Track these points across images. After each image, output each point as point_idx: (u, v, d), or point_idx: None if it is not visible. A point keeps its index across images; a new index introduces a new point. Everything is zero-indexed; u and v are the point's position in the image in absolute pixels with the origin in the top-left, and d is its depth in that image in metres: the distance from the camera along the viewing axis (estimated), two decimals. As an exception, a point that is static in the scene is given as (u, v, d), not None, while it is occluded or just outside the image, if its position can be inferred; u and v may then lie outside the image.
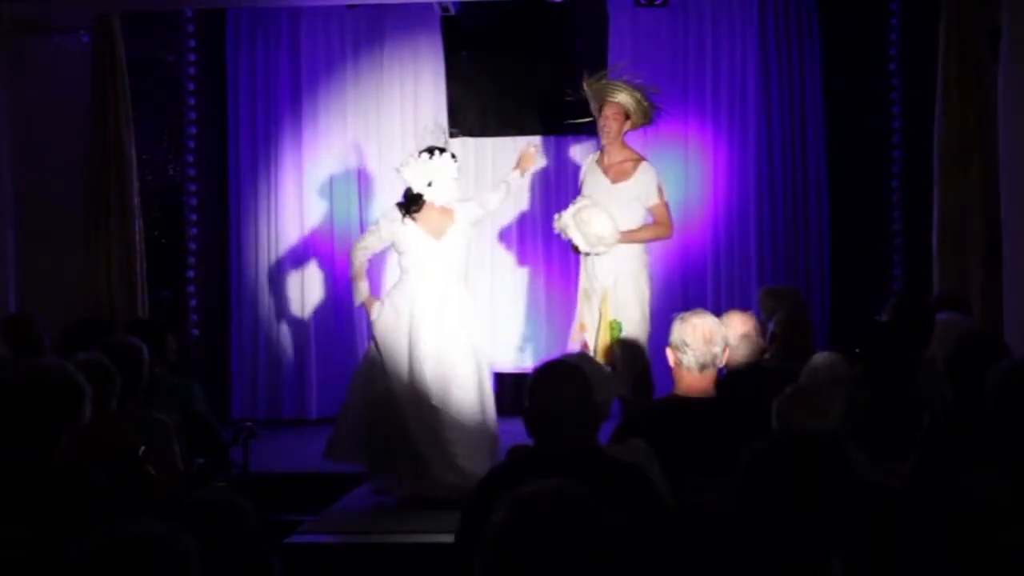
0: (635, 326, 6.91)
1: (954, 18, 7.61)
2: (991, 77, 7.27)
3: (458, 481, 6.24)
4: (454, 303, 6.61)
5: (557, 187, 9.40)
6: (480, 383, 6.61)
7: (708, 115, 9.22)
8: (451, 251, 6.62)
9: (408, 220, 6.61)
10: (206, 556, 2.13)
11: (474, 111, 9.48)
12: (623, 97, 7.08)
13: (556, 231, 6.93)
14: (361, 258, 6.80)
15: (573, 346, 6.97)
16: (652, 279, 7.20)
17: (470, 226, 6.75)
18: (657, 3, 9.06)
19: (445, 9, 9.11)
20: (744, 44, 9.22)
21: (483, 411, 6.60)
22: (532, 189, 9.34)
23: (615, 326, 6.89)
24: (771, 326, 5.77)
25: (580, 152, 9.35)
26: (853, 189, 9.19)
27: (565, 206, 7.05)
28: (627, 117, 7.10)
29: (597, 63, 8.62)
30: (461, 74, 9.44)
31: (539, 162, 7.00)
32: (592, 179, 7.13)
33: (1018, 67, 6.87)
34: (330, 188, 9.39)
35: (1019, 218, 6.91)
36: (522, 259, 9.41)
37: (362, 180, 9.44)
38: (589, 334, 6.97)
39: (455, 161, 6.65)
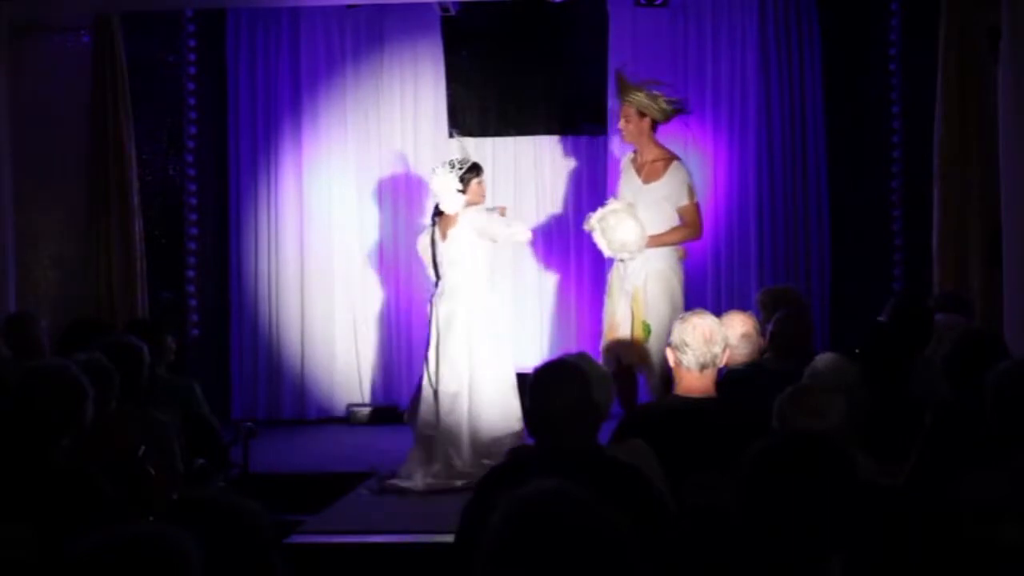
0: (665, 326, 6.89)
1: (954, 18, 7.60)
2: (991, 77, 7.27)
3: (445, 478, 6.74)
4: (464, 307, 6.90)
5: (555, 186, 9.41)
6: (481, 389, 6.86)
7: (708, 115, 9.21)
8: (454, 252, 6.91)
9: (435, 226, 7.09)
10: (214, 556, 2.13)
11: (474, 111, 9.48)
12: (632, 97, 7.11)
13: (587, 231, 6.99)
14: (421, 253, 7.28)
15: (606, 346, 7.02)
16: (685, 278, 7.18)
17: (475, 233, 6.88)
18: (657, 3, 9.06)
19: (445, 9, 9.10)
20: (744, 44, 9.22)
21: (482, 415, 6.85)
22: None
23: (646, 327, 6.90)
24: (771, 326, 5.76)
25: (584, 151, 9.36)
26: (853, 189, 9.19)
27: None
28: (643, 116, 7.11)
29: (597, 63, 8.65)
30: (461, 74, 9.44)
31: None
32: (626, 179, 7.20)
33: (1018, 67, 6.86)
34: (330, 188, 9.39)
35: (1019, 218, 6.90)
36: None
37: (362, 180, 9.44)
38: (618, 331, 6.98)
39: (458, 172, 6.89)
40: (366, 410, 9.17)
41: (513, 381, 6.98)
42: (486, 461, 6.75)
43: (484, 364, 6.92)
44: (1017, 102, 6.86)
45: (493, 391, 6.90)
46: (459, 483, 6.69)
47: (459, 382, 6.89)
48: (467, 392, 6.89)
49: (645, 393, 7.09)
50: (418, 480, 6.79)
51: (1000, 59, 7.03)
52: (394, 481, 6.86)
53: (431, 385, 6.94)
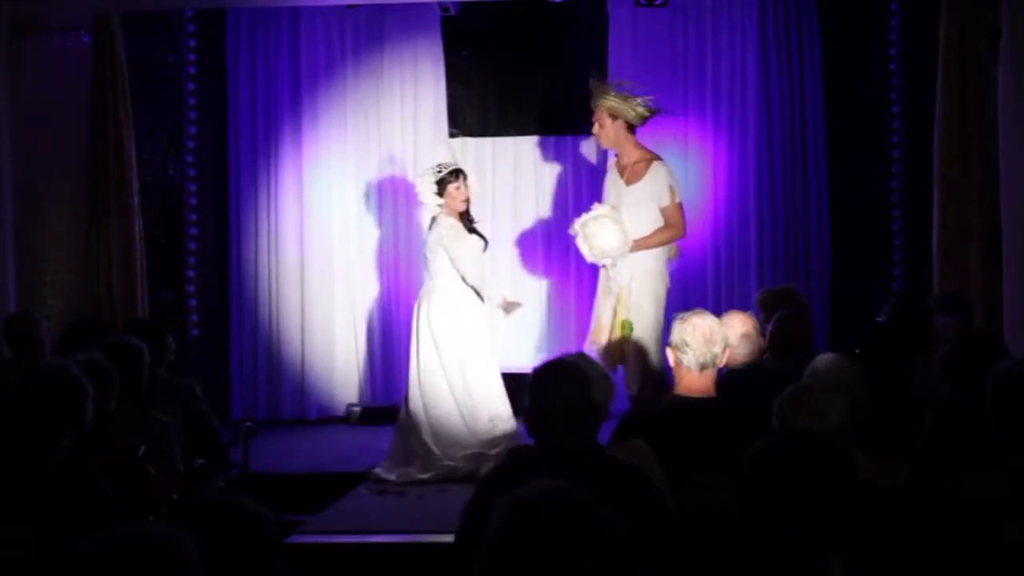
0: (648, 326, 6.92)
1: (954, 18, 7.60)
2: (991, 77, 7.27)
3: (421, 475, 7.00)
4: (431, 307, 7.18)
5: (555, 186, 9.41)
6: (455, 386, 7.13)
7: (708, 115, 9.22)
8: (427, 253, 7.27)
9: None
10: (217, 557, 2.13)
11: (474, 111, 9.48)
12: (602, 101, 7.11)
13: (572, 235, 7.02)
14: None
15: (590, 348, 7.02)
16: (670, 280, 7.20)
17: (435, 241, 7.17)
18: (657, 3, 9.06)
19: (445, 9, 9.10)
20: (744, 44, 9.22)
21: (459, 415, 7.11)
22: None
23: (627, 325, 6.92)
24: (771, 326, 5.76)
25: (583, 151, 9.35)
26: (853, 189, 9.19)
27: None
28: (615, 118, 7.11)
29: (597, 63, 8.64)
30: (461, 74, 9.44)
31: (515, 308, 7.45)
32: (611, 181, 7.23)
33: (1018, 67, 6.85)
34: (330, 188, 9.39)
35: (1019, 218, 6.90)
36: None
37: (362, 180, 9.44)
38: (604, 334, 7.00)
39: (436, 176, 7.18)
40: (366, 410, 9.17)
41: (496, 381, 7.10)
42: (470, 452, 6.89)
43: (450, 364, 7.12)
44: (1017, 102, 6.85)
45: (464, 392, 7.10)
46: (426, 476, 6.95)
47: (422, 379, 7.13)
48: (434, 391, 7.11)
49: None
50: (394, 474, 7.00)
51: (1000, 59, 7.02)
52: (377, 470, 7.08)
53: (410, 379, 7.23)
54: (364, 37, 9.44)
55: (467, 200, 7.21)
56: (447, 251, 7.10)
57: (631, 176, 7.09)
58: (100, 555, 2.01)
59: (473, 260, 7.15)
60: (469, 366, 7.12)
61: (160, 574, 2.01)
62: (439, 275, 7.18)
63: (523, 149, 9.47)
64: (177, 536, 2.05)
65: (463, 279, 7.13)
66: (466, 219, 7.24)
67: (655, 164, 7.10)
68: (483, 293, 7.20)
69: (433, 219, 7.27)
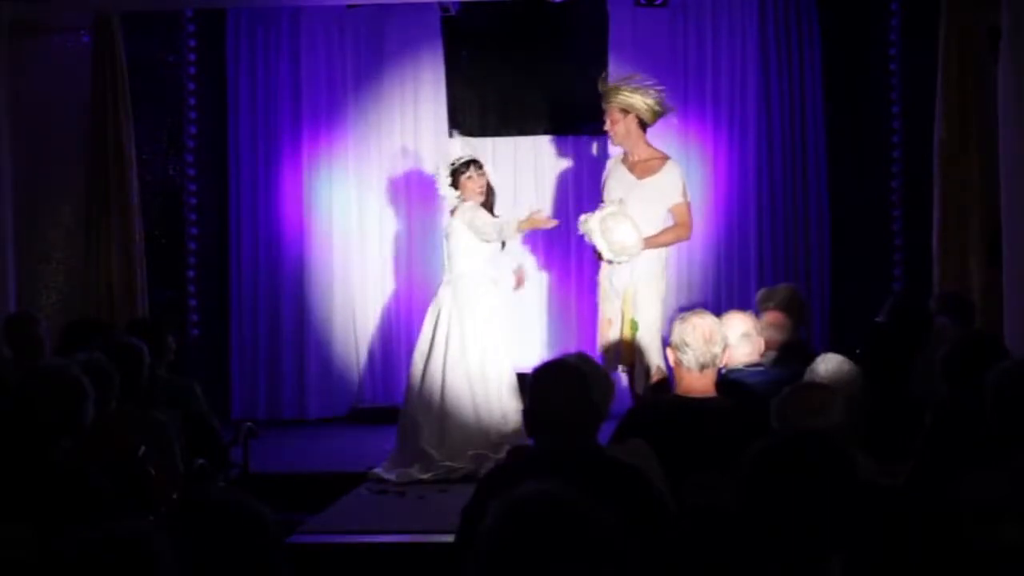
0: (653, 326, 6.92)
1: (954, 18, 7.60)
2: (991, 77, 7.27)
3: (421, 475, 6.94)
4: (457, 301, 7.15)
5: (555, 186, 9.41)
6: (475, 380, 7.08)
7: (708, 115, 9.22)
8: (452, 245, 7.24)
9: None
10: (218, 557, 2.13)
11: (474, 111, 9.48)
12: (613, 98, 7.07)
13: (581, 232, 6.96)
14: None
15: (604, 343, 7.01)
16: (669, 280, 7.20)
17: (464, 226, 7.15)
18: (657, 3, 9.06)
19: (445, 9, 9.10)
20: (744, 44, 9.22)
21: (474, 409, 7.06)
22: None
23: (634, 325, 6.91)
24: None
25: (584, 151, 9.36)
26: (853, 189, 9.20)
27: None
28: (626, 113, 7.05)
29: (597, 63, 8.64)
30: (461, 74, 9.44)
31: (547, 225, 7.33)
32: (616, 177, 7.10)
33: (1018, 67, 6.86)
34: (330, 188, 9.39)
35: (1019, 218, 6.90)
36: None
37: (362, 180, 9.44)
38: (615, 329, 6.98)
39: (450, 169, 7.24)
40: (366, 410, 9.18)
41: (510, 378, 7.09)
42: (472, 452, 6.88)
43: (472, 358, 7.08)
44: (1017, 102, 6.86)
45: (482, 386, 7.07)
46: (426, 476, 6.91)
47: (444, 374, 7.07)
48: (454, 384, 7.06)
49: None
50: (394, 474, 6.97)
51: (1000, 59, 7.03)
52: (377, 470, 7.05)
53: (417, 375, 7.16)
54: (364, 37, 9.43)
55: (484, 191, 7.22)
56: (470, 224, 7.08)
57: (644, 171, 7.02)
58: (63, 555, 2.01)
59: (492, 224, 7.11)
60: (489, 359, 7.11)
61: (127, 573, 2.00)
62: (462, 266, 7.19)
63: (523, 149, 9.46)
64: (144, 533, 2.04)
65: (485, 238, 7.09)
66: (488, 211, 7.26)
67: (671, 162, 7.10)
68: (506, 238, 7.16)
69: (452, 211, 7.27)
